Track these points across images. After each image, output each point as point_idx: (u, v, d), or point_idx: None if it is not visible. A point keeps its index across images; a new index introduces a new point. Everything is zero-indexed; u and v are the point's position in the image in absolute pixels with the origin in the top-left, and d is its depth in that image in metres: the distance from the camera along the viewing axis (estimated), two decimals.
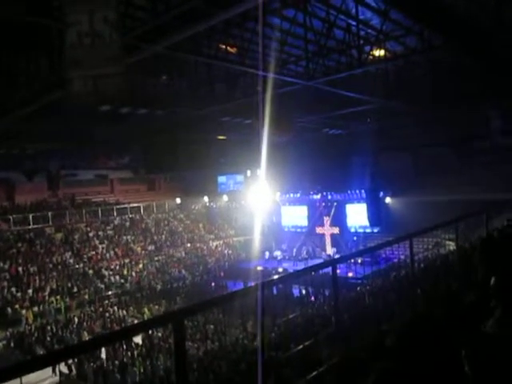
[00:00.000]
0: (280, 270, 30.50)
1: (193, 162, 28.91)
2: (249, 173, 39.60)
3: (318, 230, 35.44)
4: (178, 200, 38.22)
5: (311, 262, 28.84)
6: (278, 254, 34.05)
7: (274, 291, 20.74)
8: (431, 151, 29.79)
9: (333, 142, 32.56)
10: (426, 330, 2.47)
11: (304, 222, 38.24)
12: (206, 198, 39.93)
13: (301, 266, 27.76)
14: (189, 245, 35.46)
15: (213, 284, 29.26)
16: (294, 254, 34.47)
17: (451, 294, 4.14)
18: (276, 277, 3.98)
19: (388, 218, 30.10)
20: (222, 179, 40.26)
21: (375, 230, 32.64)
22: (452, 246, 19.36)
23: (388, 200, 32.37)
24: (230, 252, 36.55)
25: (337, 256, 28.78)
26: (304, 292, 23.60)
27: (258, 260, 32.73)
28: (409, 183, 29.88)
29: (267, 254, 34.32)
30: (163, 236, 35.25)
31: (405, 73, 20.64)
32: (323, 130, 31.16)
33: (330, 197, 35.54)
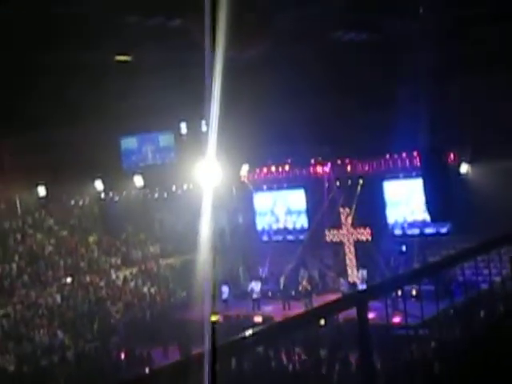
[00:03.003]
0: (257, 319, 30.67)
1: (66, 111, 28.29)
2: (184, 128, 39.30)
3: (330, 235, 35.79)
4: (42, 190, 37.67)
5: (319, 300, 29.05)
6: (255, 287, 34.21)
7: (246, 364, 20.78)
8: None
9: (353, 60, 32.51)
10: None
11: (301, 222, 38.40)
12: (98, 184, 39.50)
13: (298, 309, 27.95)
14: (69, 279, 35.31)
15: (122, 355, 29.20)
16: (281, 287, 34.72)
17: None
18: (249, 333, 3.89)
19: (466, 206, 30.54)
20: (129, 144, 39.85)
21: (442, 230, 33.05)
22: None
23: (465, 169, 32.83)
24: (153, 290, 36.52)
25: (367, 286, 29.03)
26: (306, 359, 23.79)
27: (213, 303, 32.80)
28: (508, 136, 30.22)
29: (226, 290, 34.37)
30: (14, 265, 34.94)
31: None
32: (333, 33, 31.07)
33: (349, 168, 35.76)
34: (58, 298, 33.96)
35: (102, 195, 40.23)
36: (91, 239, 38.60)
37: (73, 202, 39.86)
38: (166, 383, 3.13)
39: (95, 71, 28.12)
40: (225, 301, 33.97)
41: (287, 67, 30.10)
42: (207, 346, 3.20)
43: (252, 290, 34.07)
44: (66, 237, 38.17)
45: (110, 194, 40.35)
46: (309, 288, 33.39)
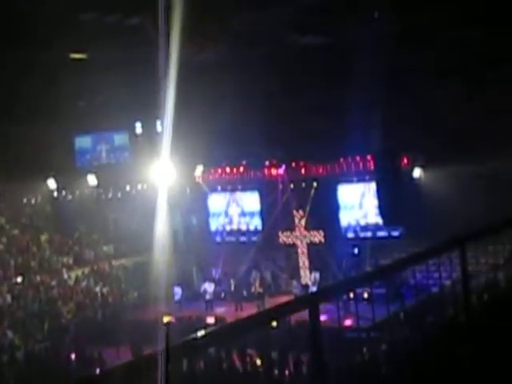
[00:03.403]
0: (210, 320, 30.68)
1: (19, 108, 28.04)
2: (139, 128, 39.12)
3: (284, 237, 35.90)
4: None
5: (271, 302, 29.11)
6: (208, 288, 34.17)
7: (201, 363, 20.74)
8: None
9: (308, 64, 32.65)
10: None
11: (254, 224, 38.44)
12: (51, 183, 39.15)
13: (251, 311, 27.91)
14: (19, 279, 34.92)
15: (73, 356, 28.95)
16: (232, 289, 34.87)
17: None
18: (201, 334, 3.91)
19: (418, 210, 30.84)
20: (83, 142, 39.56)
21: (394, 234, 33.35)
22: None
23: (418, 174, 33.19)
24: (105, 290, 36.34)
25: (317, 288, 29.09)
26: (259, 362, 23.76)
27: (166, 304, 32.68)
28: (463, 140, 30.46)
29: (178, 291, 34.27)
30: None
31: None
32: (288, 38, 31.13)
33: (303, 171, 35.91)
34: (9, 298, 33.55)
35: (55, 194, 39.88)
36: (43, 238, 38.24)
37: (25, 201, 39.45)
38: (118, 383, 3.11)
39: (50, 69, 27.91)
40: (177, 302, 33.87)
41: (243, 70, 30.12)
42: (159, 346, 3.19)
43: (205, 291, 34.05)
44: (18, 235, 37.75)
45: (63, 192, 39.99)
46: (261, 290, 33.49)
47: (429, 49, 29.90)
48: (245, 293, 34.02)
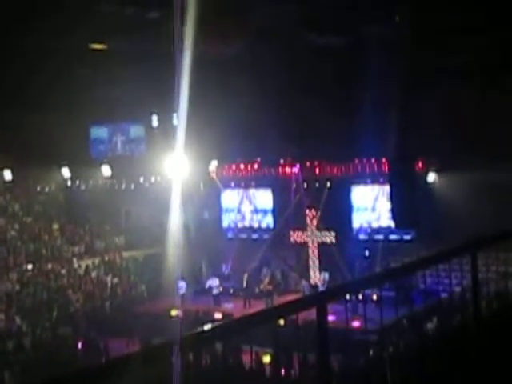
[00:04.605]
0: (217, 315, 30.76)
1: (36, 96, 28.13)
2: (155, 120, 39.18)
3: (295, 236, 35.90)
4: (8, 174, 37.41)
5: (280, 300, 29.11)
6: (213, 283, 34.22)
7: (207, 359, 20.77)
8: None
9: (324, 63, 32.59)
10: None
11: (266, 221, 38.44)
12: (65, 171, 39.29)
13: (259, 308, 27.89)
14: (30, 266, 35.11)
15: (79, 344, 29.08)
16: (244, 285, 34.84)
17: None
18: (206, 328, 3.89)
19: (431, 214, 30.76)
20: (98, 133, 39.71)
21: (406, 237, 33.28)
22: None
23: (432, 178, 33.15)
24: (115, 281, 36.48)
25: (327, 287, 28.99)
26: (266, 360, 23.72)
27: (174, 297, 32.75)
28: (478, 145, 30.41)
29: (182, 285, 34.26)
30: None
31: None
32: (304, 36, 31.09)
33: (317, 170, 35.88)
34: (17, 285, 33.70)
35: (69, 183, 40.07)
36: (55, 227, 38.47)
37: (38, 189, 39.68)
38: (123, 373, 3.10)
39: (68, 57, 27.96)
40: (182, 296, 33.91)
41: (260, 66, 30.09)
42: (166, 338, 3.19)
43: (210, 287, 34.11)
44: (30, 223, 37.98)
45: (77, 182, 40.19)
46: (271, 287, 33.49)
47: (445, 51, 29.82)
48: (254, 290, 34.02)
